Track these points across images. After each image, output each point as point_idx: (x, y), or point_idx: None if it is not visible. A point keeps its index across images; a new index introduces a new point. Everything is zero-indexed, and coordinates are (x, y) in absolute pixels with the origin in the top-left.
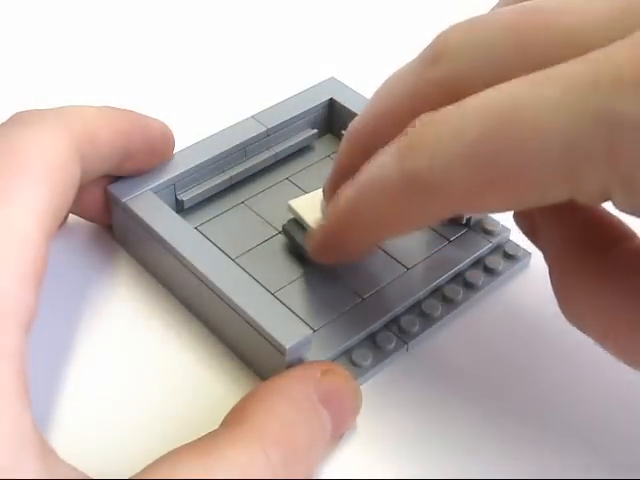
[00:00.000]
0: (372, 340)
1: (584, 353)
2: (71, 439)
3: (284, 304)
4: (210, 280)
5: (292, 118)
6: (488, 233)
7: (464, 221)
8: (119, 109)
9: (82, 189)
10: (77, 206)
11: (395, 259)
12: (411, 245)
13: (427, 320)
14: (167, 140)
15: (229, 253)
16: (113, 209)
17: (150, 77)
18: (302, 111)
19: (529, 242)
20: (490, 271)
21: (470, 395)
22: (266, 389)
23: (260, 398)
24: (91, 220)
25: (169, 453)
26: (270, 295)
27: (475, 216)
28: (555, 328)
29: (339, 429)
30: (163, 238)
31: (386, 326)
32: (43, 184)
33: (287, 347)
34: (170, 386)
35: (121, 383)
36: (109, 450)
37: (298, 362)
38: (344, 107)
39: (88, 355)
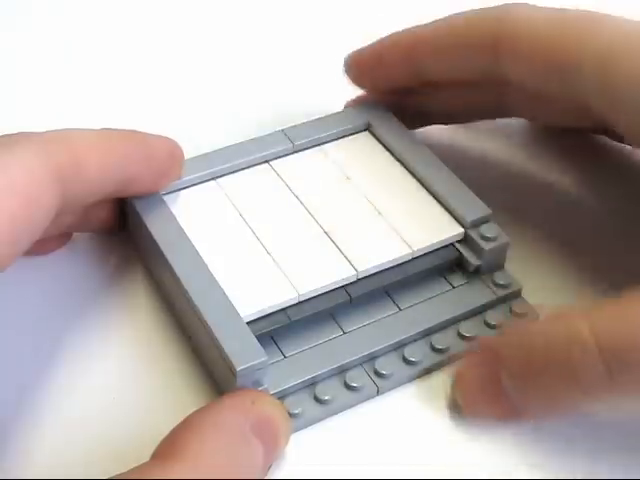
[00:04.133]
0: (342, 376)
1: None
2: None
3: (263, 325)
4: (187, 292)
5: (321, 137)
6: (497, 286)
7: (472, 269)
8: (118, 131)
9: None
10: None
11: (391, 297)
12: (412, 286)
13: (406, 365)
14: (173, 159)
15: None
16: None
17: (197, 86)
18: (332, 132)
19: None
20: (489, 326)
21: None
22: (199, 419)
23: (192, 429)
24: (97, 232)
25: None
26: (239, 318)
27: (486, 265)
28: None
29: (269, 459)
30: (156, 241)
31: (361, 364)
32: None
33: (237, 369)
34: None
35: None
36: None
37: (252, 386)
38: (378, 135)
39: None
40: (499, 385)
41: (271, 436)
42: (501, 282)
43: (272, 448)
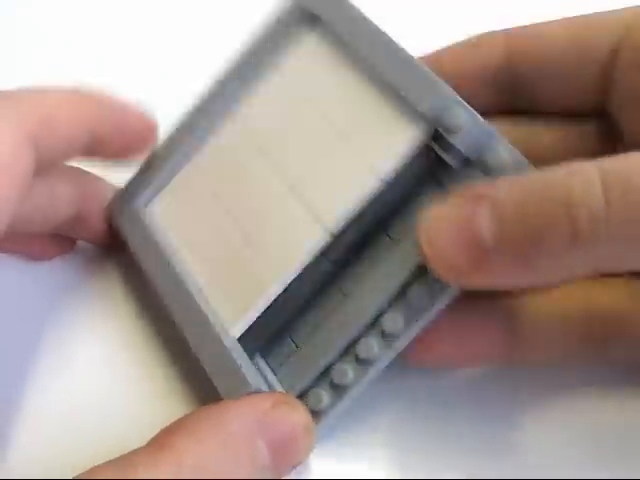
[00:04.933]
0: (354, 350)
1: None
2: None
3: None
4: (172, 314)
5: (267, 60)
6: (494, 171)
7: (457, 167)
8: (85, 92)
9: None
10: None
11: (386, 232)
12: (403, 209)
13: (411, 314)
14: (146, 125)
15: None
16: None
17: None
18: (276, 47)
19: None
20: None
21: None
22: (204, 414)
23: (191, 424)
24: (95, 243)
25: (89, 470)
26: (223, 346)
27: (471, 155)
28: None
29: (280, 466)
30: (139, 261)
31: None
32: None
33: None
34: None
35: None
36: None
37: None
38: (328, 31)
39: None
40: (476, 228)
41: (284, 443)
42: (495, 166)
43: (283, 456)
